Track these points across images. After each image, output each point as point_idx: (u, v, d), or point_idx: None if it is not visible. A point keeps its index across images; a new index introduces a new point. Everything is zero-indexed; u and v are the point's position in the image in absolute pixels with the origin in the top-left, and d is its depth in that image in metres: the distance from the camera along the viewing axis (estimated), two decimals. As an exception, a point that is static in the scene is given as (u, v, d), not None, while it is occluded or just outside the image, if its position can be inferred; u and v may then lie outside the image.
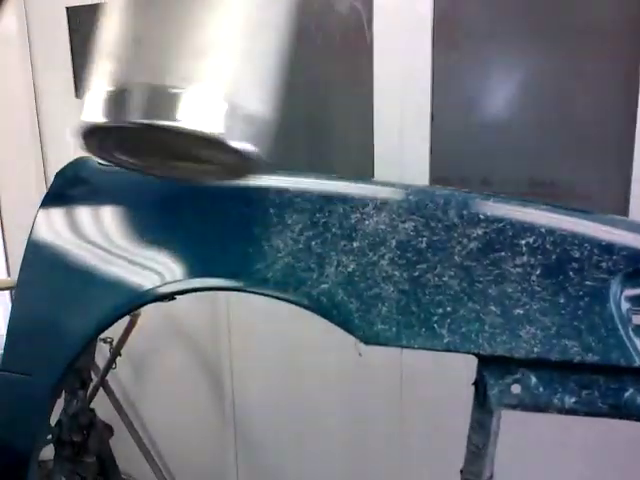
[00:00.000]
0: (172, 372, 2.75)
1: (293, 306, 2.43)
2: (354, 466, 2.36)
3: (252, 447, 2.66)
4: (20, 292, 1.20)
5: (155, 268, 1.05)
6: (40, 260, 1.22)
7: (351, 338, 2.16)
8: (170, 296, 1.03)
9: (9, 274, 3.00)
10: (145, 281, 1.04)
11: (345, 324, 0.87)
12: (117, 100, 0.47)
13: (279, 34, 0.52)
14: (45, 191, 3.13)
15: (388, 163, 1.92)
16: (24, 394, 1.14)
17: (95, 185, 1.36)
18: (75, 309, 1.13)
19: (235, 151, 0.49)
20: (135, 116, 0.46)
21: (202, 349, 2.72)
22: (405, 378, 2.13)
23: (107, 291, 1.09)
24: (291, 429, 2.50)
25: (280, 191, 1.02)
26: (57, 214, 1.28)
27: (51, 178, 3.10)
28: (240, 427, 2.65)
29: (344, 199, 0.96)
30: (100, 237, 1.19)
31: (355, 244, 0.91)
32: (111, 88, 0.47)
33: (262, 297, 2.45)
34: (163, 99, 0.46)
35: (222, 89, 0.48)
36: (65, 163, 2.79)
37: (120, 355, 2.41)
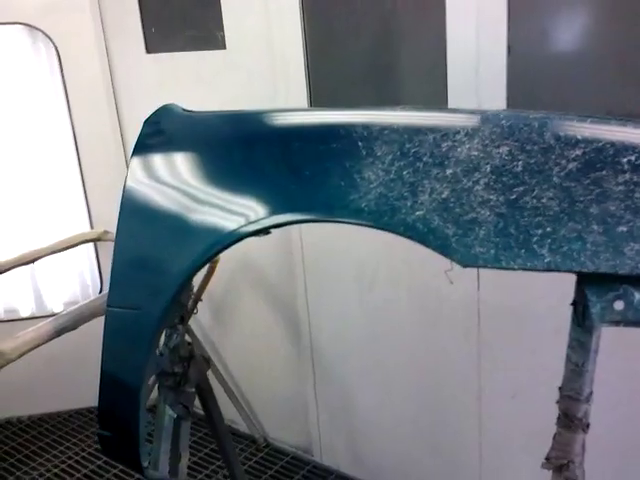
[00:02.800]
0: (250, 313, 2.85)
1: (367, 244, 2.46)
2: (430, 398, 2.41)
3: (330, 382, 2.75)
4: (120, 234, 1.27)
5: (250, 205, 1.10)
6: (136, 203, 1.28)
7: (435, 269, 2.18)
8: (266, 230, 1.07)
9: (92, 227, 3.14)
10: (241, 217, 1.09)
11: (442, 248, 0.89)
12: None
13: None
14: (121, 146, 3.25)
15: (463, 97, 1.89)
16: (133, 327, 1.22)
17: (182, 130, 1.40)
18: (174, 247, 1.19)
19: None
20: None
21: (278, 290, 2.81)
22: (482, 314, 2.14)
23: (204, 228, 1.14)
24: (368, 364, 2.56)
25: (367, 125, 1.03)
26: (148, 160, 1.34)
27: (127, 134, 3.21)
28: (318, 363, 2.74)
29: (433, 128, 0.97)
30: (191, 177, 1.24)
31: (448, 171, 0.92)
32: None
33: (336, 236, 2.48)
34: None
35: None
36: (139, 119, 2.87)
37: (201, 300, 2.52)
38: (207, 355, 1.46)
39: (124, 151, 3.07)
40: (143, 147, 1.41)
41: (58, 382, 3.30)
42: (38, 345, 1.83)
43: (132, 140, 3.11)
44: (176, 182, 1.27)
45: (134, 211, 1.29)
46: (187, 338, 1.44)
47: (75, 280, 3.30)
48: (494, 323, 2.13)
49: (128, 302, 1.22)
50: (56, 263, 3.16)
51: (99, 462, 2.99)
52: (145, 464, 1.26)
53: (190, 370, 1.40)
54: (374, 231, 2.47)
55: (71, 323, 1.89)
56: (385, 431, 2.61)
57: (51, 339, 1.85)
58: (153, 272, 1.22)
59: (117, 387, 1.26)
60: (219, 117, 1.38)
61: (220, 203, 1.16)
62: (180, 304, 1.21)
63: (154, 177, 1.31)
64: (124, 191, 1.31)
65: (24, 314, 3.29)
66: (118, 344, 1.25)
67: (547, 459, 0.93)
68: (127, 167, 3.14)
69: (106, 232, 2.84)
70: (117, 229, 1.26)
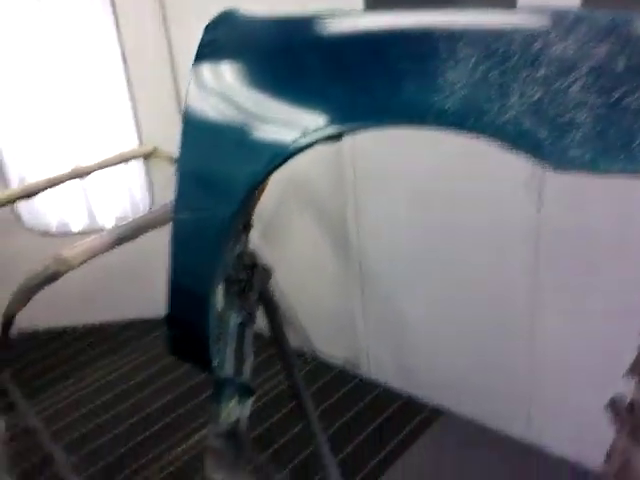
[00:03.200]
0: (298, 230, 2.87)
1: (423, 162, 2.42)
2: (483, 314, 2.43)
3: (378, 297, 2.79)
4: (185, 141, 1.26)
5: (323, 109, 1.07)
6: (200, 110, 1.26)
7: (493, 188, 2.13)
8: (339, 136, 1.05)
9: (141, 144, 3.16)
10: (314, 121, 1.07)
11: (534, 151, 0.85)
12: None
13: None
14: (169, 62, 3.19)
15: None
16: (202, 234, 1.23)
17: (244, 36, 1.36)
18: (243, 150, 1.17)
19: None
20: None
21: (327, 206, 2.82)
22: (542, 233, 2.11)
23: (277, 130, 1.12)
24: (419, 280, 2.58)
25: (447, 26, 0.98)
26: (209, 67, 1.30)
27: (175, 49, 3.15)
28: (366, 279, 2.77)
29: (521, 29, 0.91)
30: (256, 82, 1.21)
31: (540, 73, 0.88)
32: None
33: (389, 154, 2.44)
34: None
35: None
36: (187, 30, 2.80)
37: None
38: (268, 266, 1.47)
39: (172, 66, 3.03)
40: (204, 55, 1.36)
41: (112, 293, 3.42)
42: (98, 253, 1.88)
43: (180, 55, 3.09)
44: (240, 87, 1.25)
45: (198, 118, 1.27)
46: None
47: (125, 197, 3.35)
48: (553, 242, 2.10)
49: (197, 209, 1.23)
50: (107, 180, 3.21)
51: (151, 371, 3.14)
52: (215, 363, 1.30)
53: (254, 278, 1.42)
54: (430, 148, 2.43)
55: (131, 232, 1.92)
56: (434, 346, 2.66)
57: (111, 247, 1.89)
58: (222, 177, 1.21)
59: (186, 291, 1.29)
60: (285, 21, 1.33)
61: (291, 107, 1.13)
62: (248, 209, 1.21)
63: (217, 84, 1.28)
64: (187, 98, 1.29)
65: (76, 229, 3.38)
66: (187, 250, 1.26)
67: (631, 369, 0.92)
68: (175, 82, 3.12)
69: (155, 149, 2.84)
70: (182, 136, 1.25)
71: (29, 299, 1.72)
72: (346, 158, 2.56)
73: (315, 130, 1.09)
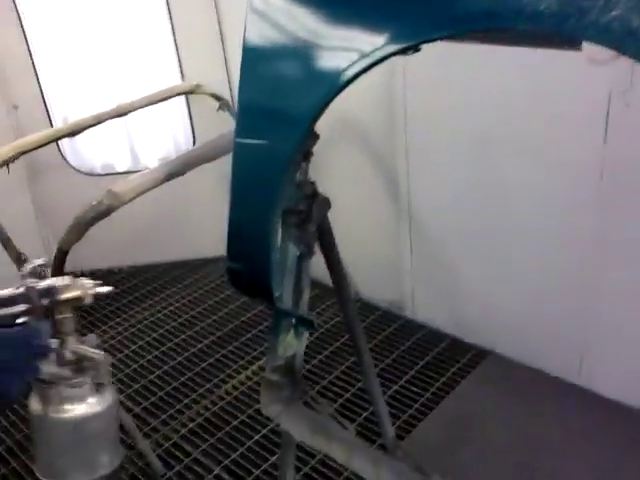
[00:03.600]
0: (347, 171, 2.80)
1: (480, 102, 2.30)
2: (538, 256, 2.36)
3: (427, 239, 2.73)
4: (246, 64, 1.19)
5: (396, 18, 0.99)
6: (261, 31, 1.19)
7: (554, 124, 2.00)
8: (416, 47, 0.98)
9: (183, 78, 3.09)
10: (387, 33, 0.99)
11: (642, 53, 0.77)
12: None
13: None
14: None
15: None
16: (265, 159, 1.18)
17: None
18: (309, 71, 1.11)
19: None
20: None
21: (378, 148, 2.74)
22: (607, 168, 2.01)
23: (347, 45, 1.05)
24: (471, 224, 2.51)
25: None
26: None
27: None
28: (415, 221, 2.71)
29: None
30: (311, 7, 1.13)
31: (651, -37, 0.78)
32: None
33: (446, 91, 2.32)
34: None
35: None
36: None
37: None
38: (327, 197, 1.42)
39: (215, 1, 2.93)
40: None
41: (156, 235, 3.44)
42: (149, 188, 1.85)
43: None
44: (297, 11, 1.17)
45: (257, 47, 1.20)
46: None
47: (168, 137, 3.31)
48: (619, 177, 2.00)
49: (259, 139, 1.18)
50: (149, 120, 3.17)
51: (195, 311, 3.16)
52: (277, 294, 1.28)
53: (313, 208, 1.38)
54: (490, 84, 2.29)
55: (181, 168, 1.89)
56: (485, 288, 2.60)
57: (162, 183, 1.87)
58: (285, 106, 1.15)
59: (247, 223, 1.25)
60: None
61: (361, 20, 1.05)
62: (310, 137, 1.15)
63: (273, 9, 1.20)
64: (247, 16, 1.22)
65: (120, 169, 3.37)
66: (248, 181, 1.22)
67: None
68: (218, 17, 3.02)
69: (198, 85, 2.78)
70: (241, 66, 1.19)
71: (83, 234, 1.72)
72: (398, 94, 2.46)
73: (384, 45, 1.01)
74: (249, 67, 1.19)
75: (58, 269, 1.90)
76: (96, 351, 1.07)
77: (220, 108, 2.74)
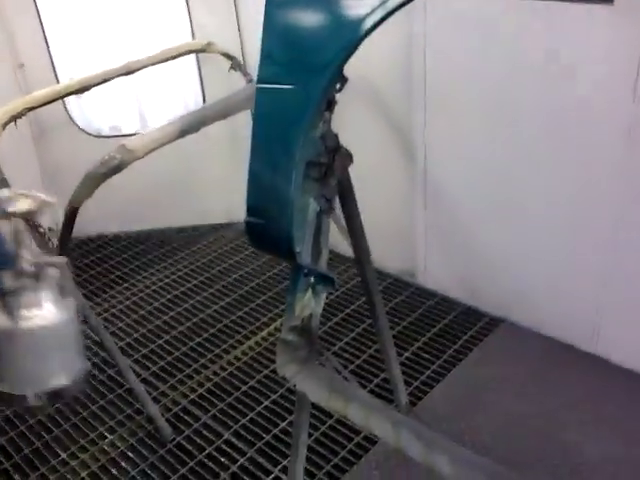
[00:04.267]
0: (361, 133, 2.72)
1: (502, 66, 2.22)
2: (557, 225, 2.31)
3: (441, 207, 2.68)
4: (268, 14, 1.14)
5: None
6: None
7: (581, 84, 1.90)
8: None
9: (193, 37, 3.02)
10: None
11: None
12: None
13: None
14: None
15: None
16: (289, 104, 1.13)
17: None
18: (329, 21, 1.06)
19: None
20: None
21: (394, 113, 2.67)
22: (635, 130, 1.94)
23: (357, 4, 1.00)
24: (488, 193, 2.46)
25: None
26: None
27: None
28: (430, 188, 2.66)
29: None
30: None
31: None
32: None
33: (467, 58, 2.23)
34: None
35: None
36: None
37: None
38: (349, 151, 1.36)
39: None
40: None
41: (165, 200, 3.39)
42: (163, 144, 1.80)
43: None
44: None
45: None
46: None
47: (177, 98, 3.24)
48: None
49: (284, 79, 1.12)
50: (158, 80, 3.10)
51: (204, 277, 3.13)
52: (298, 249, 1.23)
53: (336, 162, 1.32)
54: (507, 36, 2.20)
55: (194, 124, 1.84)
56: (499, 256, 2.55)
57: (175, 139, 1.82)
58: (312, 43, 1.10)
59: (269, 172, 1.20)
60: None
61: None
62: (342, 77, 1.10)
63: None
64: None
65: (127, 132, 3.30)
66: (271, 123, 1.17)
67: None
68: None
69: (210, 43, 2.70)
70: (265, 6, 1.13)
71: (94, 189, 1.67)
72: (417, 57, 2.39)
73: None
74: (272, 13, 1.13)
75: (69, 226, 1.85)
76: (56, 257, 1.10)
77: (232, 68, 2.67)
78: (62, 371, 1.11)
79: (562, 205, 2.26)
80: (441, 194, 2.66)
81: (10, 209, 1.01)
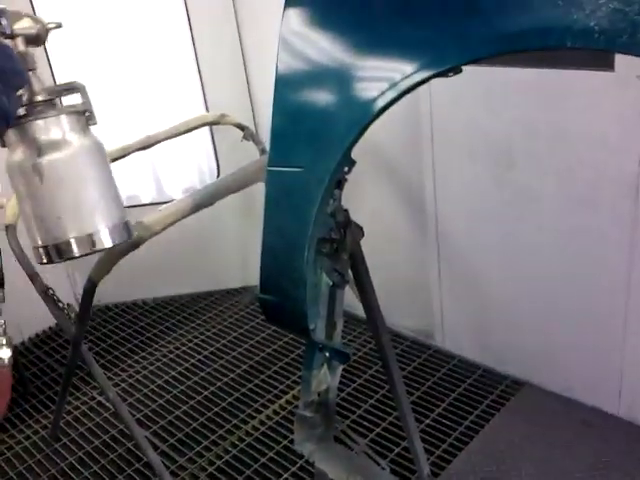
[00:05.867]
0: (372, 192, 2.76)
1: (505, 116, 2.26)
2: (570, 280, 2.29)
3: (456, 264, 2.68)
4: (279, 89, 1.18)
5: (437, 40, 0.97)
6: (293, 56, 1.17)
7: (587, 140, 1.95)
8: (458, 68, 0.95)
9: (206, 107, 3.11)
10: (428, 54, 0.97)
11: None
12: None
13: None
14: (234, 23, 3.09)
15: None
16: (299, 187, 1.16)
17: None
18: (344, 97, 1.09)
19: None
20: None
21: (403, 167, 2.71)
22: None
23: (384, 69, 1.03)
24: (501, 246, 2.45)
25: None
26: (299, 12, 1.21)
27: (241, 12, 3.05)
28: (443, 245, 2.66)
29: None
30: (344, 33, 1.11)
31: None
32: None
33: (471, 106, 2.29)
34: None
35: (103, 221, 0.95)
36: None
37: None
38: (359, 225, 1.38)
39: (239, 32, 2.96)
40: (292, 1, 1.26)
41: (180, 267, 3.42)
42: (178, 219, 1.84)
43: (246, 19, 2.99)
44: (333, 33, 1.15)
45: (292, 64, 1.18)
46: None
47: (192, 168, 3.32)
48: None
49: (293, 161, 1.15)
50: (174, 150, 3.18)
51: (220, 344, 3.12)
52: (312, 326, 1.24)
53: (347, 237, 1.34)
54: (512, 100, 2.26)
55: (208, 198, 1.88)
56: (516, 316, 2.52)
57: (190, 213, 1.86)
58: (320, 133, 1.13)
59: (281, 250, 1.22)
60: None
61: (399, 41, 1.03)
62: (350, 161, 1.12)
63: (309, 31, 1.18)
64: (279, 44, 1.20)
65: (144, 201, 3.37)
66: (282, 205, 1.19)
67: None
68: (241, 47, 3.03)
69: (223, 115, 2.78)
70: (275, 83, 1.17)
71: (113, 265, 1.70)
72: (423, 113, 2.44)
73: (436, 61, 0.99)
74: (281, 96, 1.17)
75: (88, 301, 1.88)
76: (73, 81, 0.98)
77: (244, 137, 2.73)
78: (100, 213, 0.95)
79: (575, 262, 2.25)
80: (454, 253, 2.66)
81: (14, 26, 0.90)
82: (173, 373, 2.94)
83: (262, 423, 2.57)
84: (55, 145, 0.91)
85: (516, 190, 2.32)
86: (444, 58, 0.94)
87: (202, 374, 2.92)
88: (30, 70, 0.92)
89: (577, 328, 2.35)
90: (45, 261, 0.93)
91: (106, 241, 0.95)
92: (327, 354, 1.34)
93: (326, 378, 1.45)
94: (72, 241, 0.92)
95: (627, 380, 2.28)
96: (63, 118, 0.93)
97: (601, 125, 1.99)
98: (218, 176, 3.24)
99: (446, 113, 2.39)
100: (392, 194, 2.78)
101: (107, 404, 2.61)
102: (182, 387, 2.84)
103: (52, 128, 0.92)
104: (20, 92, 0.89)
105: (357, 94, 1.09)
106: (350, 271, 1.45)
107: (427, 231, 2.69)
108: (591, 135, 2.03)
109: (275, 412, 2.62)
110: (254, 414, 2.62)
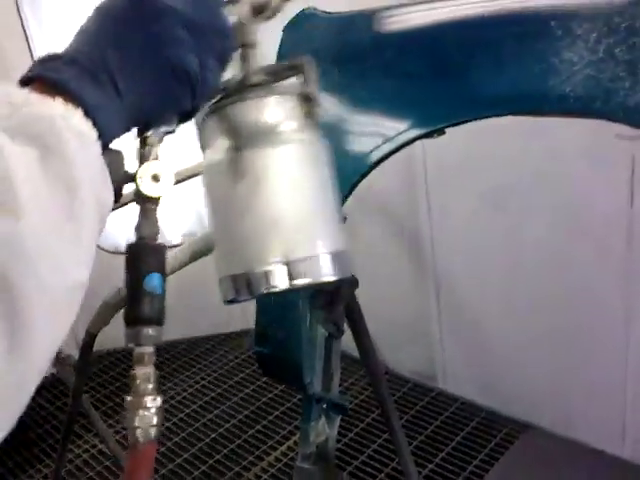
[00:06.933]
0: (368, 236, 2.78)
1: (496, 158, 2.30)
2: (570, 322, 2.29)
3: (456, 305, 2.68)
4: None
5: (422, 103, 1.00)
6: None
7: (580, 182, 1.98)
8: (442, 130, 0.98)
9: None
10: (413, 117, 1.00)
11: (675, 133, 0.76)
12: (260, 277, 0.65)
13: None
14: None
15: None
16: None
17: (323, 36, 1.31)
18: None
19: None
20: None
21: (398, 209, 2.73)
22: (635, 232, 1.97)
23: (369, 130, 1.06)
24: (499, 285, 2.46)
25: (558, 3, 0.90)
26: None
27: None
28: (442, 286, 2.67)
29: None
30: (340, 86, 1.15)
31: (676, 44, 0.78)
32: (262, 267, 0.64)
33: (463, 150, 2.32)
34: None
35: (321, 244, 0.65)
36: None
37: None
38: (354, 276, 1.40)
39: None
40: (284, 57, 1.31)
41: (179, 311, 3.40)
42: (176, 269, 1.85)
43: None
44: (323, 92, 1.18)
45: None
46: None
47: (192, 213, 3.36)
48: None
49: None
50: (172, 195, 3.22)
51: (221, 389, 3.11)
52: (307, 380, 1.24)
53: (341, 288, 1.36)
54: (503, 144, 2.30)
55: (205, 247, 1.89)
56: (517, 358, 2.52)
57: (188, 263, 1.86)
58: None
59: (276, 306, 1.23)
60: (364, 17, 1.26)
61: (384, 105, 1.07)
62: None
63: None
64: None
65: (145, 246, 3.40)
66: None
67: None
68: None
69: (222, 162, 2.83)
70: None
71: (110, 317, 1.71)
72: (417, 157, 2.48)
73: (409, 129, 1.02)
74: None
75: (86, 353, 1.89)
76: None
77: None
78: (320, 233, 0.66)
79: (572, 307, 2.25)
80: (453, 293, 2.67)
81: None
82: (174, 420, 2.92)
83: (264, 470, 2.54)
84: (268, 135, 0.66)
85: (511, 228, 2.34)
86: (426, 121, 0.97)
87: (203, 420, 2.90)
88: (246, 46, 0.69)
89: (579, 368, 2.34)
90: (230, 297, 0.69)
91: (325, 272, 0.66)
92: (324, 406, 1.34)
93: (324, 429, 1.45)
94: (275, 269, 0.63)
95: (630, 421, 2.27)
96: (280, 101, 0.68)
97: (589, 169, 2.03)
98: (218, 221, 3.27)
99: (439, 152, 2.42)
100: (388, 235, 2.81)
101: (108, 453, 2.58)
102: (183, 434, 2.82)
103: (265, 112, 0.66)
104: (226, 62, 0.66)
105: (353, 147, 1.12)
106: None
107: (425, 272, 2.70)
108: (581, 176, 2.06)
109: (277, 459, 2.59)
110: (256, 460, 2.60)
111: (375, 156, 1.07)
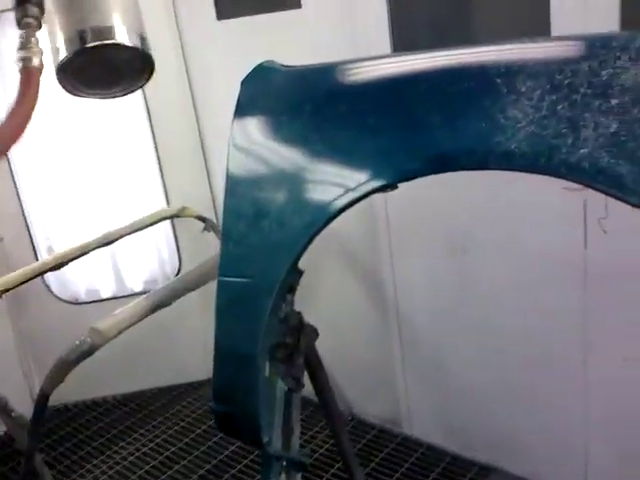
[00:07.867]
0: (332, 281, 2.78)
1: (457, 204, 2.33)
2: (530, 364, 2.30)
3: (419, 349, 2.68)
4: (229, 202, 1.20)
5: (375, 158, 1.01)
6: (242, 169, 1.21)
7: (536, 227, 2.02)
8: (394, 185, 0.99)
9: (168, 205, 3.13)
10: (366, 172, 1.01)
11: (615, 189, 0.78)
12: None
13: None
14: (194, 117, 3.14)
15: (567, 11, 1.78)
16: (248, 297, 1.16)
17: (281, 89, 1.32)
18: (290, 210, 1.11)
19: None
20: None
21: (361, 255, 2.75)
22: (590, 274, 2.01)
23: (326, 186, 1.06)
24: (460, 329, 2.47)
25: (503, 60, 0.93)
26: (249, 122, 1.25)
27: (199, 104, 3.11)
28: (405, 330, 2.67)
29: (587, 56, 0.86)
30: (300, 136, 1.16)
31: (613, 102, 0.81)
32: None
33: (423, 197, 2.35)
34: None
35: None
36: (211, 88, 2.74)
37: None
38: (313, 326, 1.39)
39: (197, 122, 3.02)
40: (243, 109, 1.32)
41: (141, 361, 3.34)
42: (135, 322, 1.81)
43: (205, 109, 3.05)
44: (280, 145, 1.20)
45: (241, 177, 1.22)
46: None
47: (153, 259, 3.31)
48: (602, 284, 2.00)
49: (242, 272, 1.17)
50: (134, 242, 3.18)
51: (183, 442, 3.02)
52: (266, 439, 1.21)
53: (301, 340, 1.34)
54: (464, 191, 2.34)
55: (166, 299, 1.86)
56: (480, 401, 2.52)
57: (147, 315, 1.83)
58: (268, 239, 1.15)
59: (233, 360, 1.21)
60: (321, 70, 1.28)
61: (340, 158, 1.08)
62: (297, 271, 1.14)
63: (259, 141, 1.23)
64: (228, 156, 1.24)
65: (105, 295, 3.33)
66: (233, 315, 1.19)
67: None
68: (201, 141, 3.09)
69: (184, 208, 2.81)
70: (225, 196, 1.20)
71: (66, 375, 1.65)
72: (379, 206, 2.50)
73: (363, 184, 1.03)
74: (232, 200, 1.19)
75: (40, 413, 1.81)
76: None
77: (205, 229, 2.76)
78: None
79: (532, 349, 2.28)
80: (416, 338, 2.67)
81: None
82: (134, 477, 2.81)
83: (227, 527, 2.45)
84: None
85: (472, 274, 2.36)
86: (382, 174, 0.98)
87: (164, 477, 2.79)
88: None
89: (541, 412, 2.35)
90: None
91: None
92: (284, 463, 1.31)
93: (285, 486, 1.41)
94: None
95: (592, 461, 2.27)
96: None
97: (548, 217, 2.08)
98: (180, 267, 3.23)
99: (400, 199, 2.45)
100: (351, 282, 2.81)
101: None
102: (142, 493, 2.72)
103: None
104: None
105: (313, 196, 1.12)
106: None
107: (388, 318, 2.70)
108: (539, 222, 2.10)
109: (240, 514, 2.51)
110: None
111: (337, 205, 1.06)
